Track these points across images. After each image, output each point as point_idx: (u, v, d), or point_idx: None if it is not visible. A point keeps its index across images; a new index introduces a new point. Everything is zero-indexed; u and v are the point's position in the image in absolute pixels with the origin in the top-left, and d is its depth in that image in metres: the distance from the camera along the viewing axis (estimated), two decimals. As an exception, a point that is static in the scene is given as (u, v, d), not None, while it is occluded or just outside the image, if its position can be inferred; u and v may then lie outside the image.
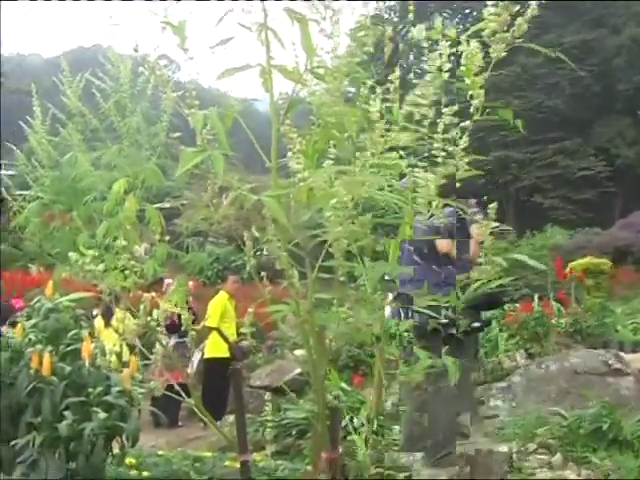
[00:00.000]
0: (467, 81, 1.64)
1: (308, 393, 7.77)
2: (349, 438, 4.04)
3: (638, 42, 27.36)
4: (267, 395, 6.06)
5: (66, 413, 2.87)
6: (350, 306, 1.81)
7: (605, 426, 4.57)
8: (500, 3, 1.56)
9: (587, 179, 27.03)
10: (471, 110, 1.67)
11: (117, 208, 2.34)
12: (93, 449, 2.85)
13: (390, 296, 3.43)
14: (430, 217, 1.77)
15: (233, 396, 2.34)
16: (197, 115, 1.67)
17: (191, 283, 8.26)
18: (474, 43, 1.57)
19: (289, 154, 1.68)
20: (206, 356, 7.94)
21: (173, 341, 7.78)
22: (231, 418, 6.90)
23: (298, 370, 8.57)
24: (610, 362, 6.09)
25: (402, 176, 1.75)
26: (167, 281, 7.64)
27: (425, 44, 1.70)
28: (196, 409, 2.23)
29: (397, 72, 1.78)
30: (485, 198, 3.32)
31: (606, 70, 28.72)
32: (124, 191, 2.33)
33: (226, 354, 7.63)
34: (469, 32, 1.63)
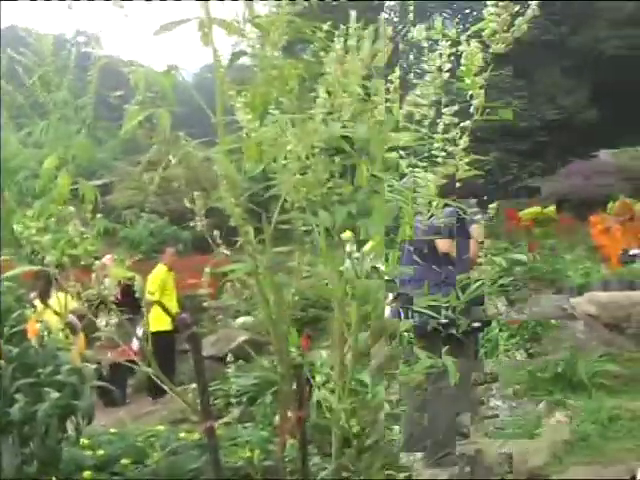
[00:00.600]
0: (467, 81, 1.64)
1: (255, 360, 7.50)
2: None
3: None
4: (229, 357, 6.07)
5: (17, 396, 2.75)
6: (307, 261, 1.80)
7: (560, 369, 4.73)
8: (500, 3, 1.56)
9: (523, 129, 26.57)
10: (471, 110, 1.67)
11: (50, 186, 2.24)
12: (47, 431, 2.74)
13: (390, 296, 3.43)
14: (430, 217, 1.77)
15: (194, 362, 2.25)
16: (137, 72, 1.64)
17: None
18: (474, 43, 1.57)
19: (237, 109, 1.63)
20: (150, 330, 7.81)
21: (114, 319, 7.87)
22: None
23: (243, 337, 8.66)
24: (565, 307, 6.37)
25: (402, 176, 1.75)
26: (107, 257, 7.63)
27: (425, 44, 1.70)
28: (156, 378, 2.19)
29: (397, 72, 1.78)
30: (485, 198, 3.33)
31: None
32: (55, 168, 2.23)
33: (169, 327, 7.60)
34: (469, 32, 1.63)
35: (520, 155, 25.19)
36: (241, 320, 9.49)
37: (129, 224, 15.03)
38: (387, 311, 2.93)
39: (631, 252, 9.48)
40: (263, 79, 1.63)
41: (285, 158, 1.60)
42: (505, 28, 1.55)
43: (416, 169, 1.70)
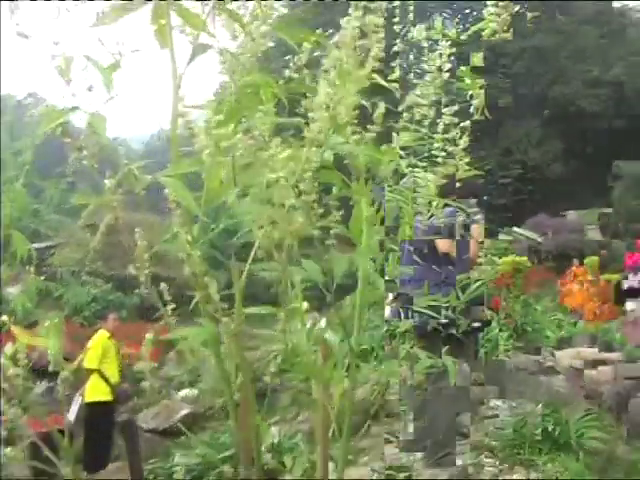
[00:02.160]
0: (467, 81, 1.64)
1: (197, 433, 7.41)
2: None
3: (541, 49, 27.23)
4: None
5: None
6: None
7: (549, 426, 4.60)
8: (500, 3, 1.56)
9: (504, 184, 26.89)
10: (471, 110, 1.67)
11: None
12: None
13: (390, 296, 3.42)
14: (430, 217, 1.77)
15: (128, 450, 2.00)
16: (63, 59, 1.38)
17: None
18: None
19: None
20: (86, 400, 7.19)
21: (44, 386, 7.45)
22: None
23: (186, 410, 8.40)
24: (541, 360, 6.24)
25: (402, 176, 1.75)
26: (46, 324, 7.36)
27: (425, 44, 1.70)
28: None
29: (397, 72, 1.78)
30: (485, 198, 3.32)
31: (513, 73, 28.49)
32: None
33: (108, 397, 7.16)
34: (469, 32, 1.63)
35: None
36: (183, 392, 9.23)
37: (71, 285, 14.51)
38: (387, 311, 2.93)
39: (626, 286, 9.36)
40: (235, 94, 1.31)
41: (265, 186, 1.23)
42: (505, 28, 1.55)
43: (416, 169, 1.70)
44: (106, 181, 1.40)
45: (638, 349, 7.27)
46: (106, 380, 7.19)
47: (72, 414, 7.05)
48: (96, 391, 7.15)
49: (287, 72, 1.45)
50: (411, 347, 2.32)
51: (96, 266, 14.79)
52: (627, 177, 20.73)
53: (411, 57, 1.91)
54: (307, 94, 1.29)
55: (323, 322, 1.58)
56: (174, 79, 1.32)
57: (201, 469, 5.58)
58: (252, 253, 1.30)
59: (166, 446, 6.79)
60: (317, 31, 1.40)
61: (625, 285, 9.09)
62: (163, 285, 1.67)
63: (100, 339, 7.46)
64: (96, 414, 6.97)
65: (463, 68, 1.64)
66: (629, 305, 8.77)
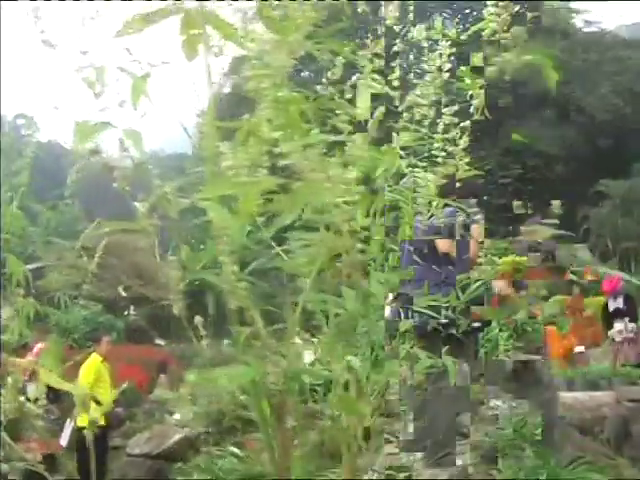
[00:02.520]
0: (467, 81, 1.64)
1: (190, 459, 7.20)
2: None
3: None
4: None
5: None
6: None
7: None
8: (500, 3, 1.56)
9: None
10: (471, 110, 1.67)
11: None
12: None
13: (390, 296, 3.42)
14: (430, 217, 1.77)
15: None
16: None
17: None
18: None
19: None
20: (79, 425, 7.26)
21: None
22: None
23: (179, 435, 8.21)
24: None
25: (402, 176, 1.75)
26: (38, 346, 6.68)
27: (425, 44, 1.70)
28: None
29: (397, 72, 1.78)
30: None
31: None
32: None
33: (101, 421, 6.74)
34: (469, 32, 1.63)
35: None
36: (177, 416, 9.02)
37: (64, 307, 14.14)
38: (387, 311, 2.93)
39: (577, 349, 9.34)
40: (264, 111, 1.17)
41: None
42: (505, 28, 1.55)
43: (416, 169, 1.70)
44: (138, 205, 1.29)
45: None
46: (99, 404, 7.11)
47: (64, 439, 7.12)
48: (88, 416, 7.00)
49: (318, 87, 1.39)
50: (411, 347, 2.32)
51: (88, 288, 14.76)
52: (615, 196, 20.69)
53: (411, 57, 1.91)
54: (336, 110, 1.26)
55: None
56: (210, 88, 1.21)
57: None
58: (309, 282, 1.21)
59: (158, 470, 6.65)
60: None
61: (611, 308, 9.08)
62: (198, 318, 1.53)
63: (93, 363, 7.39)
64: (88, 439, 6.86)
65: (463, 68, 1.64)
66: (617, 326, 8.76)
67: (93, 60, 1.25)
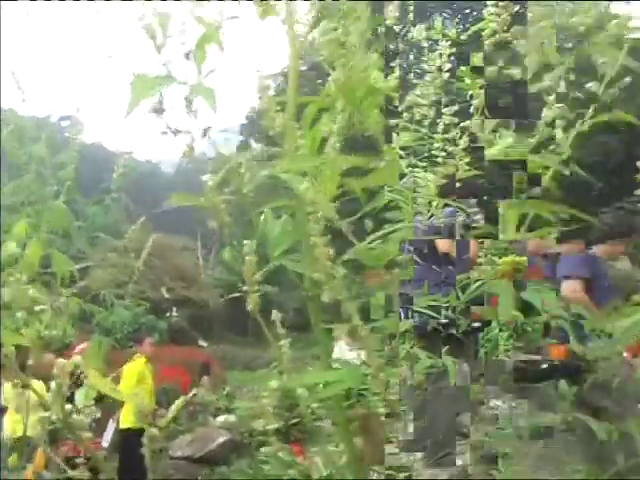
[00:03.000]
0: (467, 81, 1.64)
1: (234, 463, 7.13)
2: None
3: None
4: None
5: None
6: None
7: None
8: (500, 3, 1.56)
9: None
10: (471, 110, 1.67)
11: (18, 255, 1.81)
12: None
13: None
14: (430, 217, 1.77)
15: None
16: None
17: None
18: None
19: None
20: (121, 426, 7.12)
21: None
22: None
23: (223, 438, 8.03)
24: None
25: (402, 176, 1.75)
26: (80, 346, 7.02)
27: (425, 44, 1.70)
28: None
29: (397, 72, 1.78)
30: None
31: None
32: (26, 234, 1.83)
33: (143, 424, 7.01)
34: (469, 32, 1.63)
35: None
36: (222, 418, 8.83)
37: (109, 306, 14.21)
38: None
39: None
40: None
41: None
42: (505, 28, 1.55)
43: (416, 169, 1.70)
44: (206, 178, 1.12)
45: None
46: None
47: (106, 441, 7.16)
48: (131, 417, 6.95)
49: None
50: (411, 347, 2.32)
51: (132, 288, 14.56)
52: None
53: (411, 57, 1.91)
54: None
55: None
56: (293, 48, 1.06)
57: None
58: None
59: (201, 474, 6.55)
60: None
61: None
62: (276, 314, 1.35)
63: (137, 364, 7.31)
64: (130, 441, 6.69)
65: (463, 68, 1.64)
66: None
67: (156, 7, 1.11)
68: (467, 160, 1.69)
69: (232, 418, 8.59)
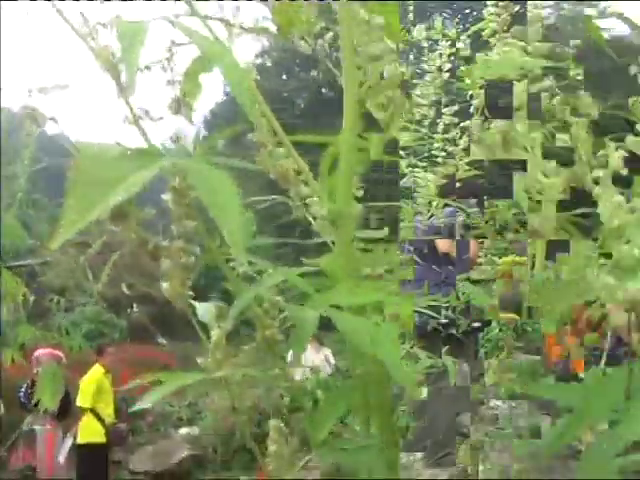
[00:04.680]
0: (467, 81, 1.64)
1: (198, 479, 6.86)
2: None
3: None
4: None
5: None
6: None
7: None
8: (500, 3, 1.56)
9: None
10: (471, 110, 1.67)
11: None
12: None
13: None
14: (430, 217, 1.77)
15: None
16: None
17: (59, 353, 7.23)
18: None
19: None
20: (79, 442, 6.71)
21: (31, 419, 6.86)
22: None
23: (185, 453, 7.67)
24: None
25: (402, 176, 1.76)
26: (39, 352, 6.41)
27: (425, 44, 1.70)
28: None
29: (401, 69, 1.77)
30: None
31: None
32: None
33: (102, 439, 6.61)
34: (469, 32, 1.63)
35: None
36: (184, 431, 8.29)
37: (61, 310, 13.98)
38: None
39: None
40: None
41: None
42: (505, 28, 1.55)
43: (416, 169, 1.70)
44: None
45: None
46: (100, 420, 6.73)
47: (62, 456, 6.83)
48: (90, 432, 6.68)
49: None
50: (411, 347, 2.32)
51: (92, 286, 14.33)
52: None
53: (411, 57, 1.91)
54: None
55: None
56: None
57: None
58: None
59: None
60: None
61: None
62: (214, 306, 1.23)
63: (95, 375, 6.94)
64: (89, 457, 6.50)
65: (463, 68, 1.64)
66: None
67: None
68: (467, 160, 1.69)
69: (195, 430, 8.20)
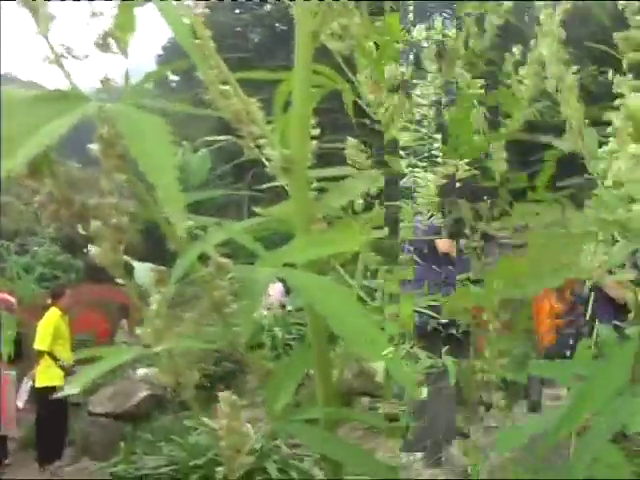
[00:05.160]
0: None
1: (157, 419, 6.77)
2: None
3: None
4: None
5: None
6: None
7: None
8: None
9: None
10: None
11: None
12: None
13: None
14: (430, 217, 1.77)
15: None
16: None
17: (9, 298, 7.04)
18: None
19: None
20: (37, 385, 6.74)
21: None
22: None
23: (144, 393, 7.62)
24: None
25: (402, 176, 1.76)
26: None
27: (425, 44, 1.70)
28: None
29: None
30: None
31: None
32: None
33: (61, 382, 6.54)
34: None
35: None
36: (142, 371, 8.13)
37: (11, 254, 13.51)
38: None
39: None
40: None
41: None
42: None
43: (416, 169, 1.70)
44: None
45: None
46: (58, 362, 6.68)
47: (20, 400, 6.87)
48: (48, 375, 6.65)
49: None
50: (411, 347, 2.32)
51: (40, 228, 13.71)
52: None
53: (411, 57, 1.91)
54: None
55: None
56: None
57: (173, 475, 4.87)
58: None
59: (123, 433, 6.20)
60: None
61: None
62: None
63: (51, 318, 6.87)
64: (48, 400, 6.33)
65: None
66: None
67: None
68: (467, 160, 1.69)
69: (153, 371, 8.38)
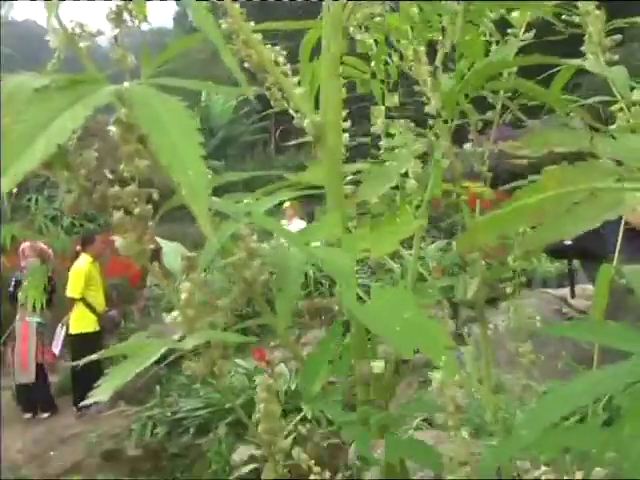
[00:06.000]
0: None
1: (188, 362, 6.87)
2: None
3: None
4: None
5: None
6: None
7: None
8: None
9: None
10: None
11: None
12: None
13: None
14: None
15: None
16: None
17: (44, 247, 6.80)
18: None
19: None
20: (72, 332, 6.61)
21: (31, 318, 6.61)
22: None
23: (177, 336, 7.43)
24: (563, 310, 5.36)
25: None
26: (24, 245, 6.40)
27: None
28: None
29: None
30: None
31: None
32: None
33: (95, 327, 6.57)
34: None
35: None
36: (175, 314, 8.00)
37: (39, 208, 13.28)
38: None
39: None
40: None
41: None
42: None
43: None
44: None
45: None
46: (92, 309, 6.62)
47: (56, 347, 6.71)
48: (82, 322, 6.58)
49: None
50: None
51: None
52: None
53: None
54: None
55: None
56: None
57: (208, 417, 4.70)
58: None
59: (158, 377, 5.90)
60: None
61: None
62: None
63: (83, 264, 6.70)
64: (83, 347, 6.25)
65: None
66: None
67: None
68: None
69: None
